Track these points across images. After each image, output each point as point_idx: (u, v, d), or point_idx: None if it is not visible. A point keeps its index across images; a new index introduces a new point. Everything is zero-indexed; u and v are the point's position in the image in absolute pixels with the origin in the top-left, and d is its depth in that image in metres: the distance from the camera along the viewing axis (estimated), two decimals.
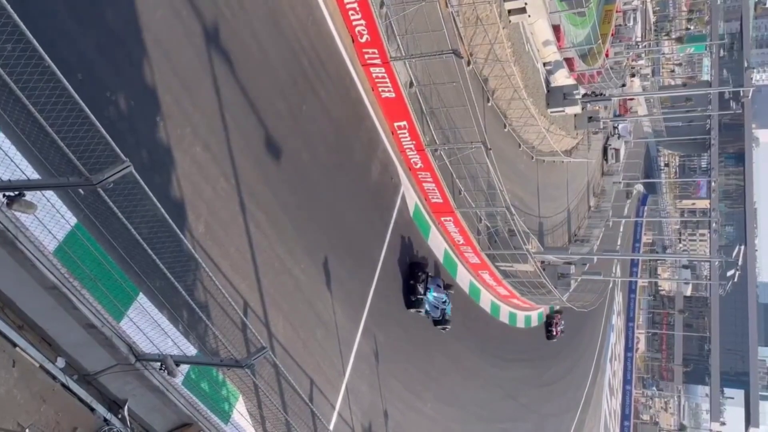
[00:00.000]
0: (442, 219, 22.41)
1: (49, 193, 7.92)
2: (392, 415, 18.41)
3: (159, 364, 8.22)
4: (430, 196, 21.25)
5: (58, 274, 7.64)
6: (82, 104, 6.20)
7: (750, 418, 77.96)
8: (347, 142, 17.03)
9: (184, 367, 9.85)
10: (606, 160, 52.64)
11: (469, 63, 24.15)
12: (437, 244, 22.85)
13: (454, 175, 21.62)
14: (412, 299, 20.02)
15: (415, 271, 20.24)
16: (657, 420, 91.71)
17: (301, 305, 14.60)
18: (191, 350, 10.10)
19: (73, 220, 8.59)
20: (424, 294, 20.11)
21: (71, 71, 8.90)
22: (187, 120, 11.42)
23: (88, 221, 8.67)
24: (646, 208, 74.81)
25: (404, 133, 18.81)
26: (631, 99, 59.12)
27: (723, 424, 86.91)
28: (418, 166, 19.91)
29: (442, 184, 20.42)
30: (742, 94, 69.92)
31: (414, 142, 19.05)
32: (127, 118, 10.32)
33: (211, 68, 12.03)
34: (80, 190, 7.27)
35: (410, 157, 19.62)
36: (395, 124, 18.63)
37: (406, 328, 20.36)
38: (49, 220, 7.92)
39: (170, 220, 7.47)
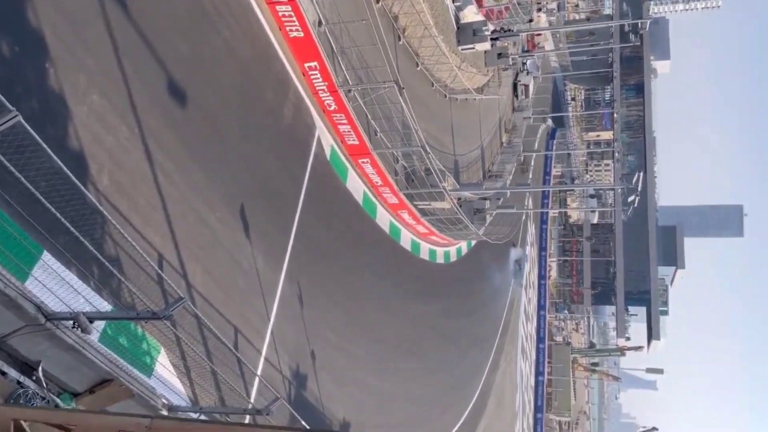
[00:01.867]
0: (360, 161, 22.41)
1: None
2: (319, 356, 18.76)
3: (71, 322, 7.94)
4: (346, 138, 21.12)
5: None
6: None
7: (651, 332, 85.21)
8: (256, 85, 16.52)
9: (100, 324, 9.58)
10: (516, 96, 53.97)
11: (378, 0, 23.77)
12: (356, 187, 22.92)
13: (368, 116, 21.54)
14: None
15: None
16: (569, 340, 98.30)
17: (220, 255, 14.38)
18: (106, 306, 9.80)
19: None
20: None
21: None
22: (80, 65, 10.68)
23: None
24: (554, 141, 77.70)
25: (316, 74, 18.42)
26: (538, 34, 60.29)
27: (628, 339, 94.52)
28: (332, 108, 19.65)
29: (357, 126, 20.31)
30: (640, 26, 72.82)
31: (326, 84, 18.72)
32: (11, 65, 9.53)
33: (102, 8, 11.21)
34: None
35: (323, 99, 19.32)
36: (306, 65, 18.18)
37: (329, 272, 20.56)
38: None
39: (68, 172, 7.08)
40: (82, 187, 7.74)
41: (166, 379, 11.12)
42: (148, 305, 8.91)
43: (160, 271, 10.44)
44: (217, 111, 14.71)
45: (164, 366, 11.15)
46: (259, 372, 14.87)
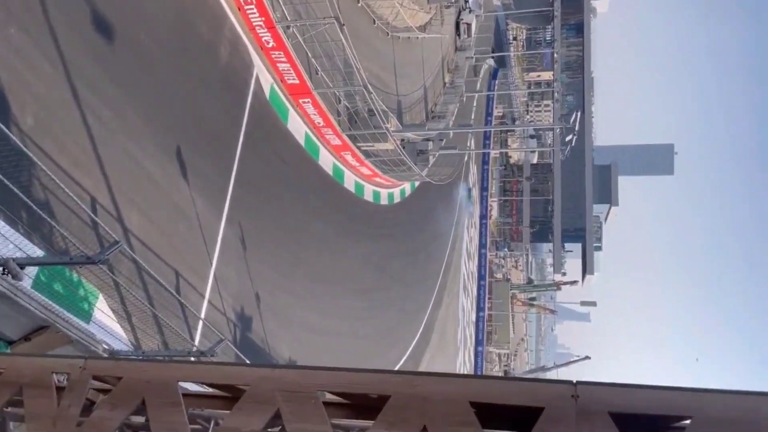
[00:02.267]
0: (301, 101, 21.94)
1: None
2: (264, 298, 18.81)
3: (0, 269, 7.62)
4: (285, 77, 20.57)
5: None
6: None
7: (586, 267, 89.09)
8: (189, 20, 15.75)
9: (32, 270, 9.25)
10: (459, 35, 53.50)
11: None
12: (297, 128, 22.52)
13: (308, 54, 20.98)
14: None
15: None
16: (509, 277, 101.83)
17: (157, 198, 13.99)
18: (38, 252, 9.44)
19: None
20: None
21: None
22: None
23: None
24: (496, 82, 78.01)
25: (252, 9, 17.72)
26: None
27: (564, 274, 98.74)
28: (270, 45, 19.02)
29: (297, 64, 19.79)
30: None
31: (263, 19, 18.05)
32: None
33: None
34: None
35: (261, 35, 18.65)
36: None
37: (271, 214, 20.38)
38: None
39: None
40: (4, 128, 7.32)
41: (106, 324, 10.93)
42: (83, 250, 8.63)
43: (93, 215, 10.08)
44: (147, 47, 13.99)
45: (103, 312, 10.94)
46: (202, 315, 14.81)
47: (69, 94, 11.37)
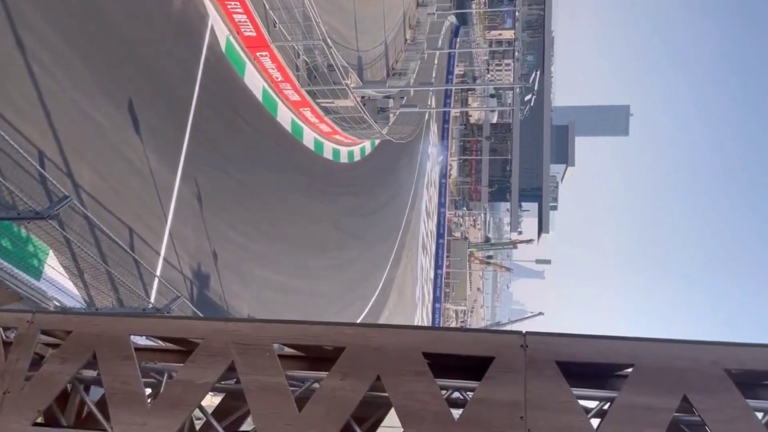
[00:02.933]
0: (258, 54, 21.40)
1: None
2: (221, 256, 18.65)
3: None
4: (242, 29, 19.98)
5: None
6: None
7: (542, 226, 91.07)
8: None
9: None
10: None
11: None
12: (254, 82, 22.01)
13: (266, 5, 20.37)
14: None
15: None
16: (467, 236, 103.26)
17: (108, 153, 13.56)
18: None
19: None
20: None
21: None
22: None
23: None
24: (458, 39, 77.45)
25: None
26: None
27: (520, 233, 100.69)
28: None
29: (253, 15, 19.22)
30: None
31: None
32: None
33: None
34: None
35: None
36: None
37: (227, 170, 20.04)
38: None
39: None
40: None
41: (58, 281, 10.70)
42: (31, 205, 8.36)
43: (41, 170, 9.71)
44: None
45: (54, 268, 10.68)
46: (158, 273, 14.62)
47: (13, 43, 10.81)
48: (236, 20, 19.40)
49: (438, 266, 78.24)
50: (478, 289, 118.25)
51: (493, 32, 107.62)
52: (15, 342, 4.32)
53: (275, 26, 21.20)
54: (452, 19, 70.15)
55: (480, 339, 3.88)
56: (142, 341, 5.06)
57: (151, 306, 11.94)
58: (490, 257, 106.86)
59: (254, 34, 20.05)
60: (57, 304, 9.69)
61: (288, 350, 4.48)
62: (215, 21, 18.67)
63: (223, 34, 19.26)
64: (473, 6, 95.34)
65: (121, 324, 4.19)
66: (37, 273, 10.15)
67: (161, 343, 4.76)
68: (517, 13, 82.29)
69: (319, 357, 4.49)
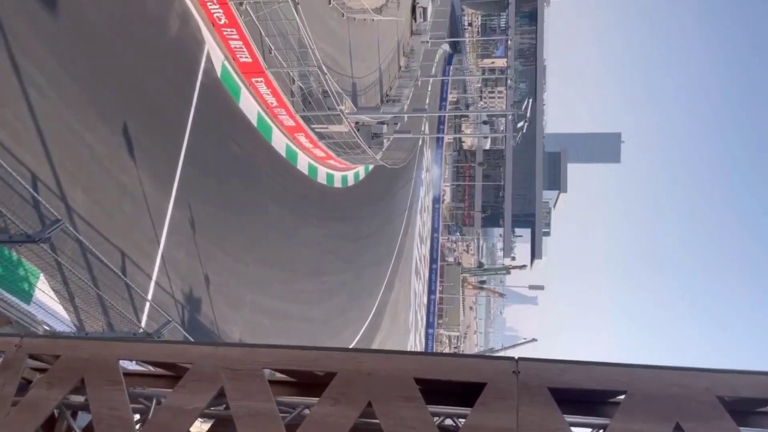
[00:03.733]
0: (253, 80, 21.56)
1: None
2: (213, 279, 18.53)
3: None
4: (238, 56, 20.16)
5: None
6: None
7: (535, 252, 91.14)
8: None
9: None
10: (415, 19, 53.38)
11: None
12: (249, 107, 22.13)
13: (262, 32, 20.57)
14: None
15: None
16: (460, 261, 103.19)
17: (102, 176, 13.54)
18: None
19: None
20: None
21: None
22: None
23: None
24: (451, 67, 78.34)
25: None
26: None
27: (513, 258, 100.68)
28: (222, 21, 18.58)
29: (249, 42, 19.40)
30: None
31: None
32: None
33: None
34: None
35: (212, 11, 18.20)
36: None
37: (222, 195, 20.03)
38: None
39: None
40: None
41: (48, 305, 10.58)
42: (23, 228, 8.30)
43: (34, 193, 9.68)
44: (93, 21, 13.45)
45: (45, 292, 10.57)
46: (149, 297, 14.50)
47: (8, 66, 10.85)
48: (232, 46, 19.58)
49: (431, 291, 78.00)
50: (471, 307, 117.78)
51: (485, 60, 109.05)
52: (2, 366, 4.25)
53: (271, 52, 21.40)
54: (445, 47, 71.03)
55: (472, 365, 3.85)
56: (131, 366, 5.00)
57: (141, 330, 11.81)
58: (483, 282, 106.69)
59: (250, 60, 20.23)
60: (46, 328, 9.57)
61: (279, 375, 4.43)
62: (211, 47, 18.83)
63: (219, 59, 19.42)
64: (466, 35, 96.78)
65: (110, 349, 4.13)
66: (27, 297, 10.04)
67: (151, 368, 4.70)
68: (509, 42, 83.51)
69: (310, 382, 4.44)
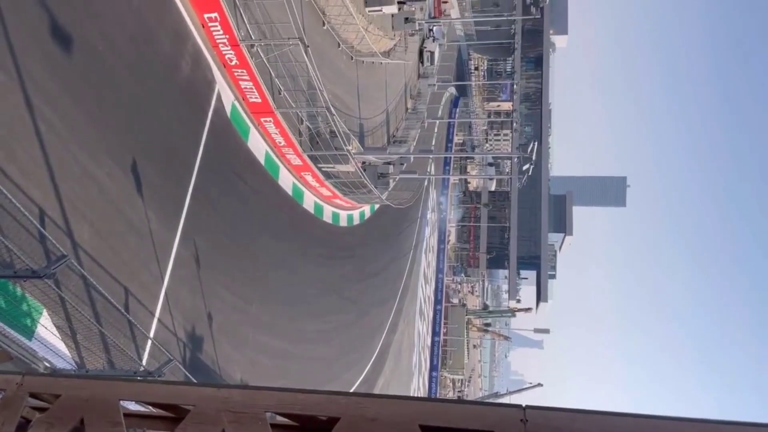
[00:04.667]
0: (262, 120, 21.85)
1: None
2: (216, 318, 18.41)
3: None
4: (248, 96, 20.48)
5: None
6: None
7: (540, 295, 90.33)
8: (151, 33, 15.56)
9: None
10: (422, 62, 54.37)
11: None
12: (258, 146, 22.37)
13: (272, 73, 20.96)
14: None
15: None
16: (465, 302, 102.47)
17: (109, 212, 13.62)
18: None
19: None
20: None
21: None
22: None
23: None
24: (457, 110, 79.31)
25: (216, 26, 17.63)
26: (445, 1, 60.80)
27: (519, 301, 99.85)
28: (233, 63, 18.94)
29: (260, 83, 19.73)
30: None
31: (227, 36, 17.97)
32: None
33: None
34: None
35: (224, 52, 18.56)
36: (205, 16, 17.35)
37: (228, 233, 20.07)
38: None
39: None
40: None
41: (50, 341, 10.50)
42: (28, 263, 8.31)
43: (41, 228, 9.72)
44: (106, 59, 13.73)
45: (47, 328, 10.51)
46: (151, 334, 14.39)
47: (21, 101, 11.04)
48: (242, 87, 19.91)
49: (435, 333, 77.21)
50: (475, 345, 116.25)
51: (491, 103, 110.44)
52: (2, 405, 4.20)
53: (280, 93, 21.75)
54: (452, 90, 72.13)
55: (478, 413, 3.78)
56: (132, 406, 4.92)
57: (142, 368, 11.68)
58: (488, 325, 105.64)
59: (259, 100, 20.53)
60: (47, 364, 9.48)
61: (280, 419, 4.36)
62: (222, 87, 19.15)
63: (229, 99, 19.73)
64: (473, 78, 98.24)
65: (110, 389, 4.08)
66: (30, 332, 9.98)
67: (151, 409, 4.63)
68: (515, 86, 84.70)
69: (312, 427, 4.35)
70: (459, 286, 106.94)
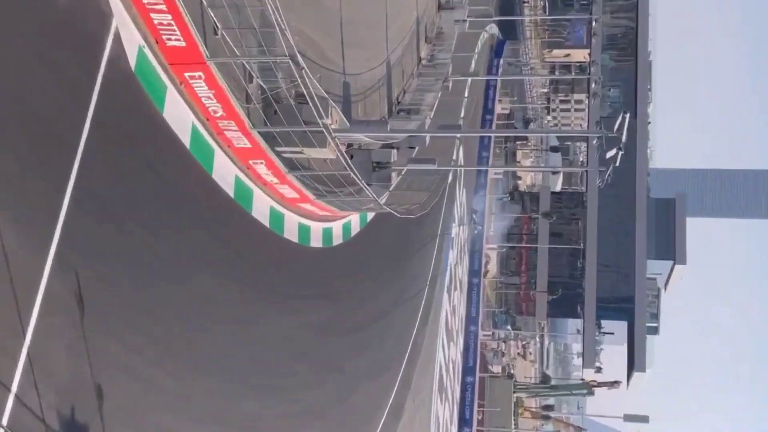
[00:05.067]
0: (187, 75, 21.90)
1: None
2: (110, 394, 18.33)
3: None
4: (164, 37, 20.50)
5: None
6: None
7: (634, 360, 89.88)
8: None
9: None
10: None
11: None
12: (179, 117, 22.40)
13: (204, 2, 21.01)
14: None
15: None
16: (512, 371, 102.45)
17: None
18: None
19: None
20: None
21: None
22: None
23: None
24: (501, 61, 79.52)
25: None
26: None
27: (599, 370, 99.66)
28: None
29: (184, 17, 19.74)
30: None
31: None
32: None
33: None
34: None
35: None
36: None
37: (130, 257, 20.04)
38: None
39: None
40: None
41: None
42: None
43: None
44: None
45: None
46: (4, 422, 14.35)
47: None
48: (155, 22, 19.91)
49: (465, 421, 77.11)
50: None
51: (556, 51, 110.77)
52: None
53: (216, 33, 21.77)
54: (493, 30, 72.25)
55: None
56: None
57: None
58: (549, 408, 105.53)
59: (183, 44, 20.55)
60: None
61: None
62: (123, 23, 19.17)
63: (134, 43, 19.75)
64: (526, 12, 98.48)
65: None
66: None
67: None
68: (594, 24, 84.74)
69: None
70: (503, 346, 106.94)
